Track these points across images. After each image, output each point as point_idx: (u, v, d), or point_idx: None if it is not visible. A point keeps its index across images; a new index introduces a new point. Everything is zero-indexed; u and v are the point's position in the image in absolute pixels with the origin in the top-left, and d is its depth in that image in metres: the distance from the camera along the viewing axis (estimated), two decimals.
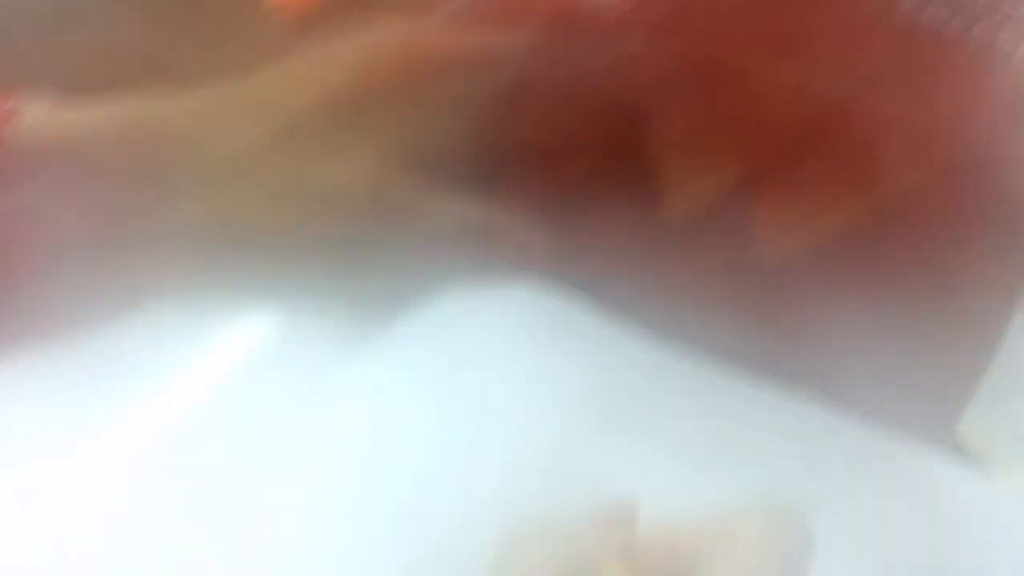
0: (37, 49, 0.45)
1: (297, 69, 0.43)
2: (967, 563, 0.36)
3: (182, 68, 0.44)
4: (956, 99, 0.39)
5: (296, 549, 0.37)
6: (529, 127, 0.43)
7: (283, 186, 0.41)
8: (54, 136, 0.41)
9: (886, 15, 0.39)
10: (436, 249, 0.43)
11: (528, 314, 0.42)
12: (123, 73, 0.43)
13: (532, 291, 0.43)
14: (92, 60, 0.44)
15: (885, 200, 0.39)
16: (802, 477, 0.37)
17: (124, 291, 0.42)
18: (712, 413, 0.40)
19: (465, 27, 0.43)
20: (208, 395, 0.41)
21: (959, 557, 0.37)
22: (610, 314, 0.42)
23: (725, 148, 0.40)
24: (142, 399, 0.40)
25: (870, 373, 0.40)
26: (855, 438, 0.39)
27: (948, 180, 0.38)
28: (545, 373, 0.41)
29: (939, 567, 0.36)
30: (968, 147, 0.39)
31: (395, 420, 0.40)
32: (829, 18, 0.40)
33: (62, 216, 0.41)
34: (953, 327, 0.39)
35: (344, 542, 0.38)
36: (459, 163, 0.42)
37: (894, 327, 0.40)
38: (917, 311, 0.39)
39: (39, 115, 0.41)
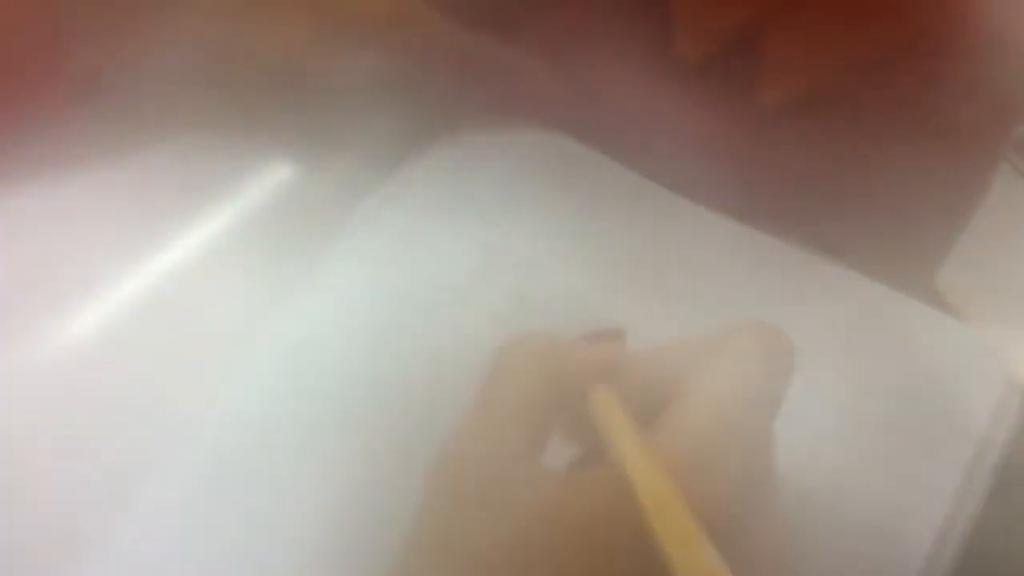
0: None
1: None
2: (935, 392, 0.38)
3: None
4: None
5: (306, 368, 0.40)
6: None
7: (292, 11, 0.41)
8: None
9: None
10: (447, 92, 0.44)
11: (535, 156, 0.44)
12: None
13: (541, 135, 0.44)
14: None
15: (880, 47, 0.39)
16: (786, 310, 0.39)
17: (138, 130, 0.43)
18: (708, 251, 0.42)
19: None
20: (225, 234, 0.42)
21: (928, 386, 0.39)
22: (615, 158, 0.43)
23: None
24: (159, 235, 0.42)
25: (855, 222, 0.41)
26: (837, 278, 0.41)
27: (940, 27, 0.39)
28: (548, 212, 0.43)
29: (909, 393, 0.38)
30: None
31: (404, 251, 0.42)
32: None
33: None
34: (937, 179, 0.40)
35: (348, 355, 0.40)
36: (475, 4, 0.43)
37: (881, 178, 0.41)
38: (904, 162, 0.40)
39: None
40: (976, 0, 0.37)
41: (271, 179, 0.44)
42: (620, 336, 0.34)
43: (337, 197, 0.43)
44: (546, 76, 0.43)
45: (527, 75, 0.44)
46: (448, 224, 0.43)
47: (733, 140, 0.40)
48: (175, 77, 0.43)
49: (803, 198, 0.41)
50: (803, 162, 0.41)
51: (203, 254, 0.41)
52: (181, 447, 0.38)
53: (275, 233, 0.42)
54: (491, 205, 0.43)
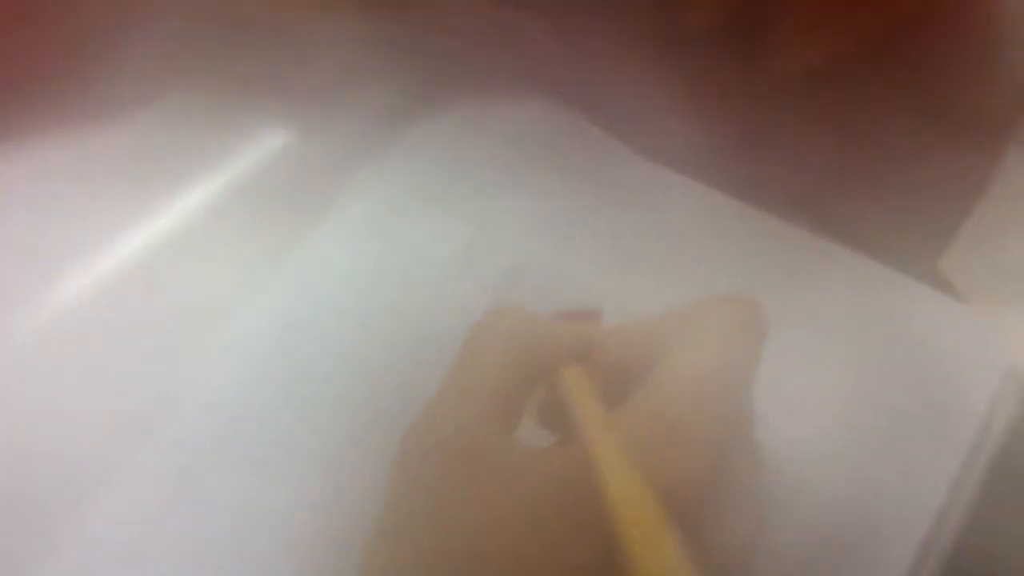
0: None
1: None
2: (935, 377, 0.38)
3: None
4: None
5: (294, 341, 0.39)
6: None
7: None
8: None
9: None
10: (446, 58, 0.43)
11: (534, 128, 0.43)
12: None
13: (541, 105, 0.43)
14: None
15: (891, 23, 0.38)
16: (785, 290, 0.38)
17: (142, 85, 0.42)
18: (706, 230, 0.41)
19: None
20: (214, 202, 0.42)
21: (929, 371, 0.38)
22: (616, 131, 0.42)
23: None
24: (147, 202, 0.41)
25: (858, 202, 0.41)
26: (838, 259, 0.40)
27: (952, 5, 0.38)
28: (544, 186, 0.42)
29: (909, 377, 0.38)
30: None
31: (396, 223, 0.42)
32: None
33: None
34: (945, 160, 0.39)
35: (338, 328, 0.39)
36: None
37: (886, 157, 0.40)
38: (911, 142, 0.40)
39: None
40: None
41: (262, 146, 0.43)
42: (596, 315, 0.34)
43: (329, 166, 0.43)
44: (549, 42, 0.42)
45: (530, 41, 0.43)
46: (442, 197, 0.42)
47: (736, 115, 0.39)
48: (164, 40, 0.42)
49: (805, 176, 0.40)
50: (807, 140, 0.40)
51: (191, 222, 0.41)
52: (167, 418, 0.37)
53: (265, 202, 0.41)
54: (487, 178, 0.42)
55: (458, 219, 0.41)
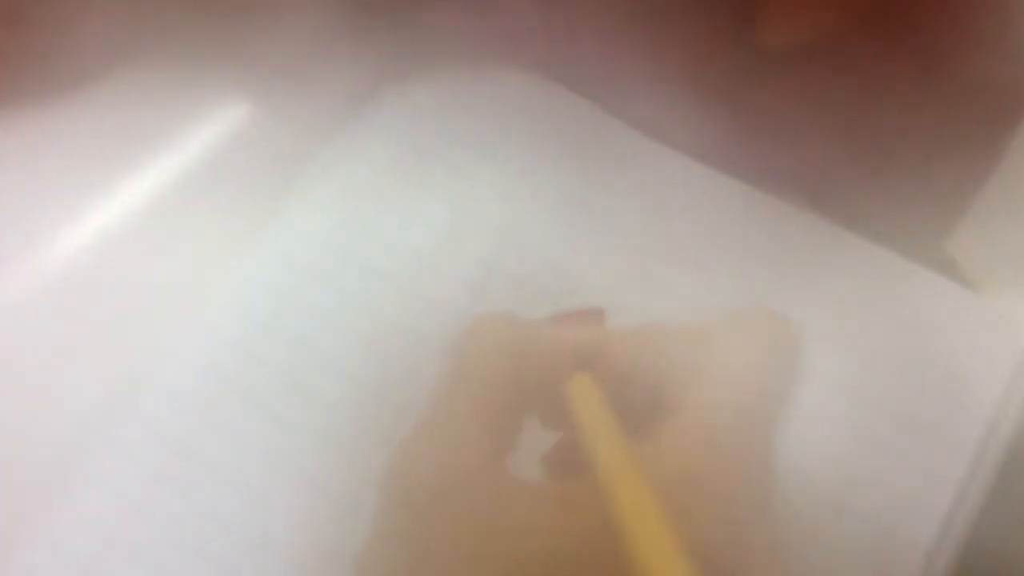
0: None
1: None
2: (944, 369, 0.36)
3: None
4: None
5: (256, 339, 0.37)
6: None
7: None
8: None
9: None
10: (419, 27, 0.41)
11: (514, 102, 0.41)
12: None
13: (521, 77, 0.41)
14: None
15: None
16: (785, 275, 0.36)
17: (96, 57, 0.40)
18: (696, 206, 0.39)
19: None
20: (172, 182, 0.39)
21: (937, 362, 0.36)
22: (601, 104, 0.40)
23: None
24: (100, 183, 0.39)
25: (859, 183, 0.38)
26: (840, 243, 0.38)
27: None
28: (526, 166, 0.40)
29: (916, 369, 0.36)
30: None
31: (365, 209, 0.39)
32: None
33: None
34: (951, 139, 0.37)
35: (302, 326, 0.37)
36: None
37: (889, 136, 0.38)
38: (915, 119, 0.37)
39: None
40: None
41: (224, 122, 0.41)
42: (599, 316, 0.31)
43: (293, 144, 0.40)
44: (529, 12, 0.40)
45: (508, 11, 0.40)
46: (415, 178, 0.39)
47: (727, 88, 0.37)
48: (120, 8, 0.40)
49: (801, 154, 0.38)
50: (801, 116, 0.38)
51: (149, 204, 0.39)
52: (131, 412, 0.36)
53: (225, 185, 0.39)
54: (463, 157, 0.40)
55: (433, 202, 0.39)
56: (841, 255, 0.38)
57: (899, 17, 0.36)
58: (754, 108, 0.37)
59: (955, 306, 0.37)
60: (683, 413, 0.25)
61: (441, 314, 0.37)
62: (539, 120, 0.40)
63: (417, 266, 0.38)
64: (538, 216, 0.39)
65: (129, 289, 0.37)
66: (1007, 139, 0.37)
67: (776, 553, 0.24)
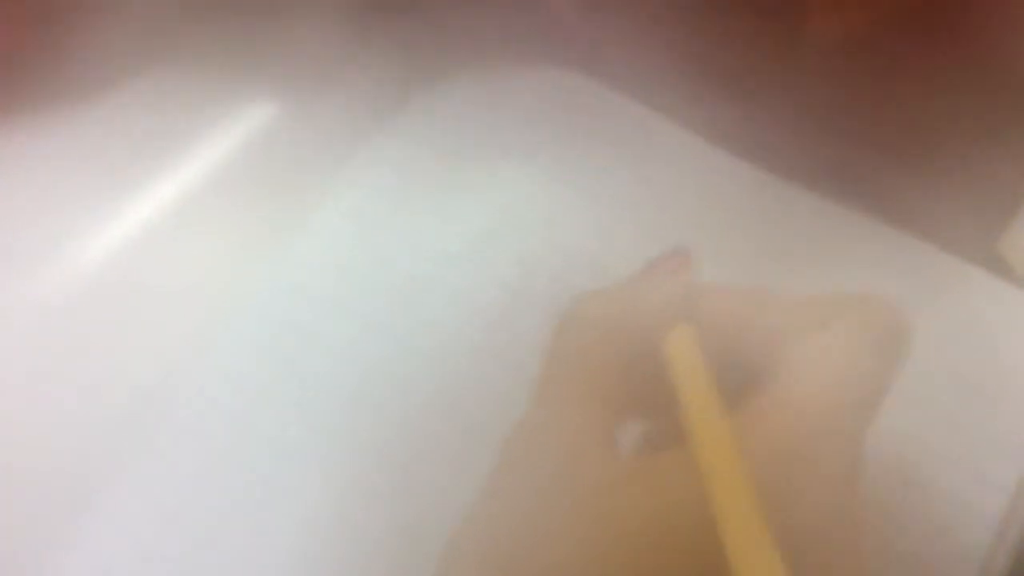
0: None
1: None
2: (996, 373, 0.35)
3: None
4: None
5: (289, 346, 0.36)
6: None
7: None
8: None
9: None
10: (451, 25, 0.40)
11: (549, 100, 0.40)
12: None
13: (557, 74, 0.40)
14: None
15: None
16: (833, 274, 0.35)
17: (108, 67, 0.39)
18: (742, 206, 0.38)
19: None
20: (201, 184, 0.39)
21: (989, 366, 0.35)
22: (641, 97, 0.39)
23: None
24: (130, 184, 0.38)
25: (908, 180, 0.37)
26: (887, 241, 0.37)
27: None
28: (562, 164, 0.39)
29: (967, 374, 0.35)
30: None
31: (399, 211, 0.38)
32: None
33: None
34: (1003, 140, 0.36)
35: (336, 331, 0.36)
36: None
37: (937, 131, 0.37)
38: (966, 114, 0.36)
39: None
40: None
41: (252, 124, 0.40)
42: (686, 258, 0.30)
43: (325, 146, 0.40)
44: (562, 8, 0.39)
45: (539, 5, 0.39)
46: (449, 181, 0.39)
47: (773, 83, 0.36)
48: (146, 9, 0.39)
49: (849, 151, 0.37)
50: (851, 112, 0.37)
51: (175, 207, 0.38)
52: (169, 402, 0.36)
53: (252, 188, 0.38)
54: (497, 158, 0.39)
55: (469, 205, 0.38)
56: (889, 254, 0.37)
57: (951, 11, 0.35)
58: (800, 104, 0.36)
59: (1007, 306, 0.36)
60: (784, 387, 0.25)
61: (481, 317, 0.36)
62: (574, 117, 0.39)
63: (455, 270, 0.37)
64: (577, 215, 0.38)
65: (159, 292, 0.37)
66: None
67: (858, 546, 0.24)
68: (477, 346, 0.35)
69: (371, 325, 0.36)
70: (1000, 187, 0.37)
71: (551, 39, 0.39)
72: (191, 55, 0.40)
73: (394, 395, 0.35)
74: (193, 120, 0.39)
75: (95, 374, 0.36)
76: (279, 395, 0.35)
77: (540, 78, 0.40)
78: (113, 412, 0.35)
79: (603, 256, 0.37)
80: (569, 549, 0.23)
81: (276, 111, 0.40)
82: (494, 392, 0.34)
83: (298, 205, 0.39)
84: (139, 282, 0.37)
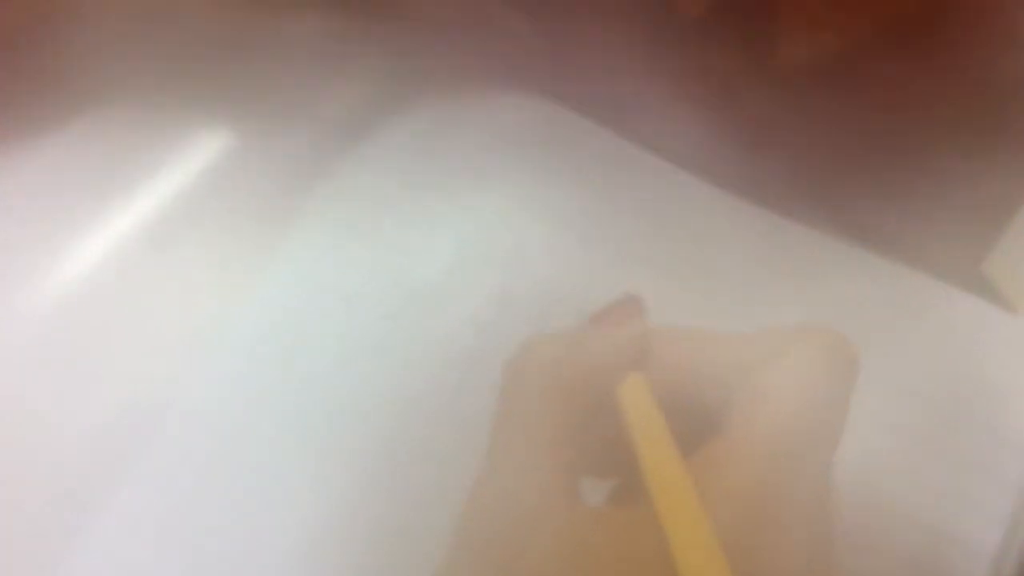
0: None
1: None
2: (984, 396, 0.34)
3: None
4: None
5: (256, 385, 0.35)
6: None
7: None
8: None
9: None
10: (413, 53, 0.39)
11: (515, 127, 0.39)
12: None
13: (521, 101, 0.39)
14: None
15: (915, 10, 0.35)
16: (817, 303, 0.34)
17: (66, 98, 0.38)
18: (717, 233, 0.37)
19: None
20: (168, 209, 0.37)
21: (977, 390, 0.35)
22: (608, 122, 0.38)
23: None
24: (92, 210, 0.37)
25: (890, 203, 0.37)
26: (870, 266, 0.37)
27: None
28: (531, 192, 0.38)
29: (955, 396, 0.34)
30: None
31: (365, 245, 0.37)
32: None
33: None
34: (985, 161, 0.36)
35: (304, 369, 0.35)
36: None
37: (922, 158, 0.36)
38: (948, 136, 0.36)
39: None
40: None
41: (211, 155, 0.39)
42: (636, 305, 0.29)
43: (286, 178, 0.38)
44: (532, 34, 0.38)
45: (510, 33, 0.38)
46: (416, 212, 0.37)
47: (741, 108, 0.35)
48: (100, 41, 0.39)
49: (823, 175, 0.37)
50: (823, 134, 0.36)
51: (135, 240, 0.37)
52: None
53: (214, 221, 0.37)
54: (466, 187, 0.38)
55: (437, 236, 0.37)
56: (873, 280, 0.36)
57: (922, 29, 0.34)
58: (773, 131, 0.36)
59: (995, 329, 0.36)
60: (740, 427, 0.24)
61: (451, 352, 0.35)
62: (540, 143, 0.39)
63: (424, 305, 0.36)
64: (545, 244, 0.37)
65: (121, 325, 0.36)
66: None
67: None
68: (453, 385, 0.34)
69: (336, 365, 0.35)
70: (982, 209, 0.37)
71: (515, 65, 0.39)
72: (149, 87, 0.39)
73: (360, 434, 0.34)
74: (152, 153, 0.38)
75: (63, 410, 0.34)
76: (249, 436, 0.34)
77: (505, 104, 0.39)
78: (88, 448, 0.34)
79: (573, 284, 0.36)
80: None
81: (238, 141, 0.39)
82: (470, 436, 0.33)
83: (261, 239, 0.37)
84: (105, 312, 0.36)
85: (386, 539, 0.33)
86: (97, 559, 0.33)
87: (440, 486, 0.33)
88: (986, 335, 0.36)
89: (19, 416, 0.34)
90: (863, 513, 0.33)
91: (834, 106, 0.35)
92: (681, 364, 0.27)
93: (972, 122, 0.36)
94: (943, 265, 0.36)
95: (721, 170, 0.37)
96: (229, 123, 0.39)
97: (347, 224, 0.37)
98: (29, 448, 0.34)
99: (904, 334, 0.35)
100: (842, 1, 0.33)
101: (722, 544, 0.22)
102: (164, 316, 0.36)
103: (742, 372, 0.25)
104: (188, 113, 0.39)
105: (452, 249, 0.36)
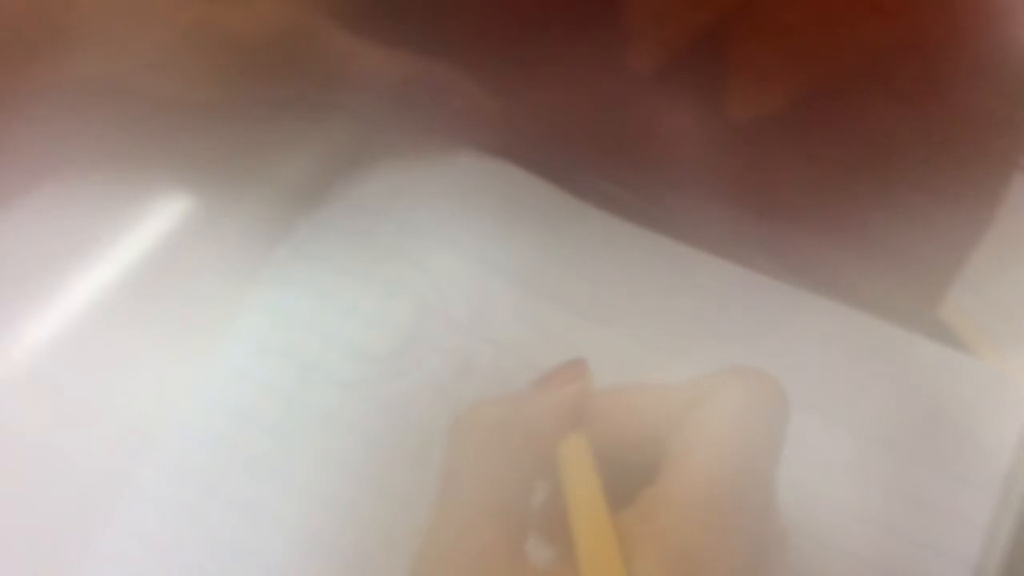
0: None
1: None
2: (951, 437, 0.34)
3: None
4: None
5: (203, 464, 0.35)
6: None
7: (179, 37, 0.36)
8: None
9: None
10: (368, 118, 0.39)
11: (472, 189, 0.39)
12: None
13: (478, 158, 0.39)
14: None
15: (864, 54, 0.35)
16: (774, 353, 0.34)
17: (21, 171, 0.38)
18: (675, 286, 0.37)
19: None
20: (122, 276, 0.37)
21: (939, 432, 0.35)
22: (564, 181, 0.38)
23: None
24: (47, 285, 0.37)
25: (844, 250, 0.37)
26: (830, 314, 0.36)
27: (937, 35, 0.35)
28: (489, 255, 0.38)
29: (917, 441, 0.34)
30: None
31: (322, 312, 0.37)
32: None
33: None
34: (940, 200, 0.36)
35: (271, 433, 0.35)
36: (393, 10, 0.37)
37: (876, 200, 0.37)
38: (901, 183, 0.36)
39: None
40: None
41: (166, 221, 0.39)
42: (581, 368, 0.30)
43: (245, 242, 0.38)
44: (480, 94, 0.38)
45: (458, 93, 0.38)
46: (375, 276, 0.37)
47: (698, 161, 0.35)
48: (58, 112, 0.37)
49: (778, 225, 0.37)
50: (786, 182, 0.36)
51: (91, 308, 0.37)
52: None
53: (168, 289, 0.37)
54: (426, 249, 0.38)
55: (397, 302, 0.37)
56: (828, 327, 0.36)
57: (884, 76, 0.34)
58: (725, 178, 0.36)
59: (955, 372, 0.35)
60: (670, 473, 0.25)
61: (412, 422, 0.35)
62: (498, 204, 0.39)
63: (384, 372, 0.35)
64: (507, 308, 0.37)
65: (80, 402, 0.36)
66: (999, 195, 0.35)
67: None
68: (413, 458, 0.34)
69: (294, 439, 0.35)
70: (937, 253, 0.37)
71: (472, 126, 0.38)
72: (106, 156, 0.38)
73: (318, 511, 0.34)
74: (110, 221, 0.38)
75: None
76: (202, 521, 0.34)
77: (462, 165, 0.39)
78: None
79: (536, 348, 0.36)
80: None
81: (197, 206, 0.39)
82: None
83: (218, 304, 0.37)
84: (62, 387, 0.36)
85: None
86: None
87: (401, 555, 0.33)
88: (945, 377, 0.35)
89: None
90: (823, 561, 0.33)
91: (787, 155, 0.35)
92: (618, 420, 0.27)
93: (924, 167, 0.36)
94: (899, 309, 0.36)
95: (679, 223, 0.37)
96: (188, 188, 0.39)
97: (304, 286, 0.37)
98: None
99: (863, 379, 0.35)
100: (791, 54, 0.33)
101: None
102: (114, 390, 0.36)
103: (672, 421, 0.26)
104: (146, 179, 0.39)
105: (412, 315, 0.36)
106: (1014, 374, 0.35)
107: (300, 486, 0.34)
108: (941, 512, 0.33)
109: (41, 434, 0.35)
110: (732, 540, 0.24)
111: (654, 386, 0.28)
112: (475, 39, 0.38)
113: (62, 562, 0.33)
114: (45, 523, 0.34)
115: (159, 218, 0.38)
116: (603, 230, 0.38)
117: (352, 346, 0.36)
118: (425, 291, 0.37)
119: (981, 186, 0.35)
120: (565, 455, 0.27)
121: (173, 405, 0.35)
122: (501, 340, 0.36)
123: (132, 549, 0.34)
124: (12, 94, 0.37)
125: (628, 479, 0.26)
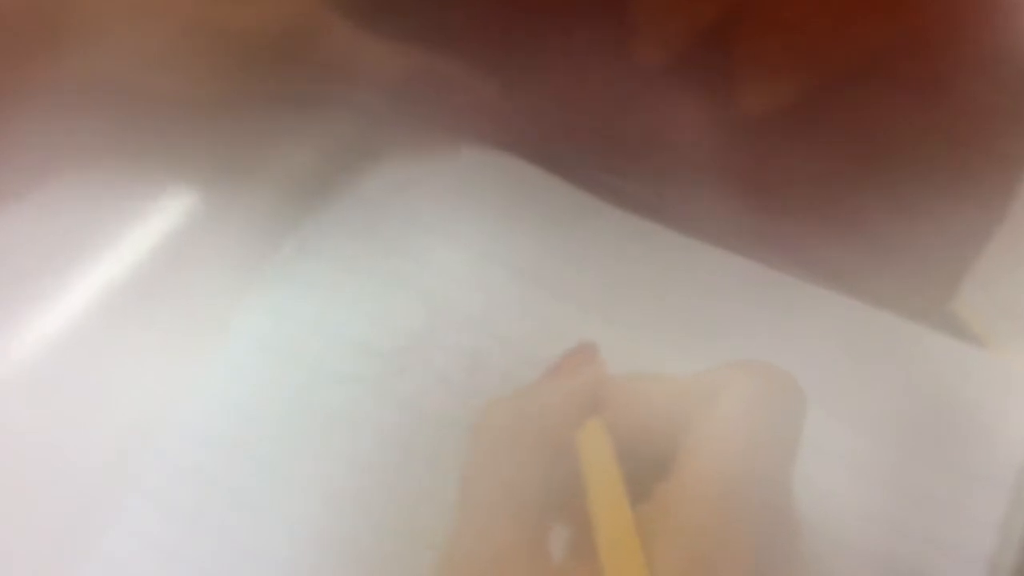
0: None
1: None
2: (964, 434, 0.34)
3: None
4: None
5: (210, 450, 0.35)
6: None
7: (180, 33, 0.36)
8: None
9: None
10: (374, 113, 0.39)
11: (479, 184, 0.39)
12: None
13: (482, 152, 0.39)
14: None
15: (869, 49, 0.35)
16: (782, 347, 0.34)
17: (23, 170, 0.38)
18: (681, 280, 0.37)
19: None
20: (126, 276, 0.37)
21: (950, 428, 0.34)
22: (569, 175, 0.38)
23: None
24: (48, 284, 0.37)
25: (856, 244, 0.37)
26: (839, 308, 0.36)
27: (943, 29, 0.34)
28: (497, 250, 0.38)
29: (927, 437, 0.34)
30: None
31: (327, 309, 0.37)
32: None
33: None
34: (951, 197, 0.35)
35: (279, 429, 0.35)
36: (395, 3, 0.37)
37: (886, 196, 0.36)
38: (911, 179, 0.36)
39: None
40: None
41: (170, 219, 0.38)
42: (592, 352, 0.30)
43: (250, 240, 0.38)
44: (484, 88, 0.38)
45: (462, 88, 0.38)
46: (383, 273, 0.37)
47: (708, 155, 0.35)
48: (55, 114, 0.37)
49: (795, 217, 0.37)
50: (794, 177, 0.36)
51: (96, 307, 0.37)
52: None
53: (172, 287, 0.37)
54: (433, 244, 0.38)
55: (405, 298, 0.36)
56: (837, 321, 0.36)
57: (895, 70, 0.34)
58: (736, 173, 0.36)
59: (965, 367, 0.35)
60: (685, 468, 0.25)
61: (423, 417, 0.34)
62: (505, 199, 0.38)
63: (393, 369, 0.35)
64: (513, 303, 0.36)
65: (81, 402, 0.35)
66: (1011, 191, 0.35)
67: None
68: (423, 455, 0.34)
69: (302, 436, 0.34)
70: (950, 247, 0.36)
71: (476, 120, 0.38)
72: (108, 153, 0.38)
73: (330, 507, 0.33)
74: (114, 219, 0.38)
75: None
76: (201, 519, 0.34)
77: (466, 159, 0.39)
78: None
79: (545, 343, 0.35)
80: None
81: (201, 203, 0.39)
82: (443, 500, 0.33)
83: (220, 302, 0.37)
84: (67, 385, 0.36)
85: None
86: None
87: (412, 552, 0.33)
88: (957, 372, 0.35)
89: None
90: (835, 557, 0.33)
91: (794, 150, 0.35)
92: (633, 407, 0.28)
93: (932, 162, 0.36)
94: (912, 304, 0.36)
95: (685, 217, 0.37)
96: (189, 185, 0.39)
97: (309, 284, 0.37)
98: None
99: (875, 375, 0.35)
100: (799, 47, 0.33)
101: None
102: (119, 388, 0.36)
103: (685, 414, 0.26)
104: (147, 177, 0.39)
105: (421, 311, 0.36)
106: None
107: (305, 485, 0.34)
108: (953, 509, 0.33)
109: (41, 434, 0.35)
110: (749, 537, 0.24)
111: (668, 376, 0.28)
112: (478, 33, 0.37)
113: (63, 562, 0.33)
114: (46, 523, 0.34)
115: (160, 216, 0.38)
116: (609, 224, 0.38)
117: (356, 343, 0.36)
118: (430, 286, 0.37)
119: (990, 181, 0.35)
120: (583, 442, 0.27)
121: (175, 404, 0.35)
122: (507, 336, 0.36)
123: (133, 549, 0.33)
124: (12, 93, 0.37)
125: (642, 473, 0.26)
